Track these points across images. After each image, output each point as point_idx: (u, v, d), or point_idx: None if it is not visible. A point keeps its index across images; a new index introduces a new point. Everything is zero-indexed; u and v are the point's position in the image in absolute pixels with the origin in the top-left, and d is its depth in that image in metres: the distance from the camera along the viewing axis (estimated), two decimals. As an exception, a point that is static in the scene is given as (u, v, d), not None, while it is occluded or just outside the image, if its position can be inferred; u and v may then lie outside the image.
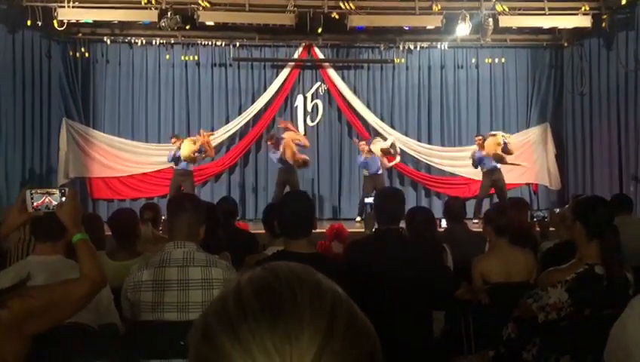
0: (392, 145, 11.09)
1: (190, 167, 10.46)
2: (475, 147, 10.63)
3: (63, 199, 2.14)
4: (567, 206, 4.29)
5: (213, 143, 11.50)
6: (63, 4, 9.96)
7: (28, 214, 2.18)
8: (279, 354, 0.62)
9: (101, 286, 2.15)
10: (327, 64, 11.96)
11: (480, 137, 10.60)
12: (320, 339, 0.63)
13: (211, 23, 10.53)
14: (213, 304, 0.70)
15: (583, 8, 10.38)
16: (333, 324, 0.65)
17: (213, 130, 11.70)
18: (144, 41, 11.52)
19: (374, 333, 0.70)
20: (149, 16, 10.32)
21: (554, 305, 2.66)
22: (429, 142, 12.16)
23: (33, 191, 2.15)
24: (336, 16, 10.50)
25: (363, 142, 11.02)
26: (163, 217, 5.57)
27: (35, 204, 2.14)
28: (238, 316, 0.66)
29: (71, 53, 11.31)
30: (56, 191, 2.15)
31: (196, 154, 10.34)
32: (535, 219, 5.17)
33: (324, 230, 7.41)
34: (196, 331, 0.68)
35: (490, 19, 10.44)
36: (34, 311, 1.85)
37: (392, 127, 12.02)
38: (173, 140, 10.52)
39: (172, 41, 11.59)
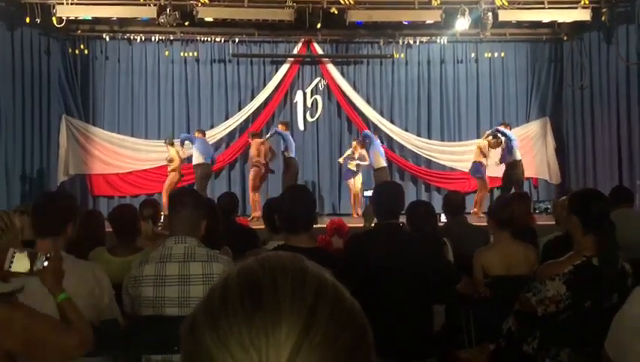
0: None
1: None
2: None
3: (46, 264, 2.05)
4: (564, 197, 4.28)
5: (215, 139, 11.55)
6: (61, 1, 9.96)
7: (1, 272, 2.03)
8: (255, 348, 0.61)
9: (88, 346, 2.03)
10: (326, 59, 11.95)
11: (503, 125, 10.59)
12: (298, 332, 0.62)
13: (210, 19, 10.55)
14: (204, 297, 0.69)
15: (582, 2, 10.37)
16: (314, 315, 0.63)
17: (212, 126, 11.72)
18: (143, 38, 11.51)
19: (363, 322, 0.68)
20: (148, 12, 10.33)
21: (552, 298, 2.66)
22: (429, 136, 12.16)
23: (17, 252, 2.03)
24: (335, 12, 10.50)
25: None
26: (162, 213, 5.58)
27: (11, 267, 1.99)
28: (220, 309, 0.65)
29: (70, 50, 11.30)
30: (42, 255, 2.06)
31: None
32: (537, 211, 5.19)
33: (325, 225, 7.43)
34: (185, 324, 0.68)
35: (490, 14, 10.43)
36: (14, 326, 1.76)
37: (392, 122, 12.03)
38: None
39: (171, 38, 11.58)
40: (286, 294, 0.64)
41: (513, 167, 10.13)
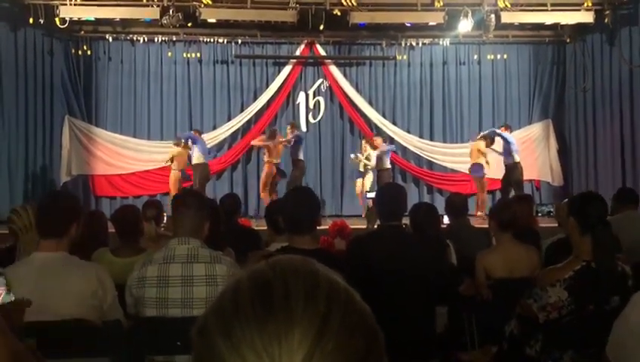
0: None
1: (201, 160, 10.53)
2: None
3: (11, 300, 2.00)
4: (567, 200, 4.29)
5: (217, 140, 11.59)
6: (65, 2, 9.98)
7: None
8: (268, 355, 0.61)
9: None
10: (329, 61, 11.96)
11: (502, 128, 10.56)
12: (311, 338, 0.61)
13: (213, 20, 10.56)
14: (215, 300, 0.69)
15: (585, 4, 10.36)
16: (327, 321, 0.63)
17: (215, 127, 11.74)
18: (146, 39, 11.53)
19: (375, 326, 0.68)
20: (151, 13, 10.34)
21: (554, 305, 2.65)
22: (431, 138, 12.16)
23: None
24: (338, 13, 10.50)
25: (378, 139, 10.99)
26: (165, 214, 5.58)
27: None
28: (232, 314, 0.64)
29: (73, 51, 11.32)
30: (11, 293, 2.02)
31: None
32: (540, 214, 5.18)
33: (327, 227, 7.44)
34: (196, 327, 0.67)
35: (492, 16, 10.43)
36: None
37: (394, 123, 12.03)
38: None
39: (174, 39, 11.59)
40: (298, 299, 0.64)
41: (512, 169, 10.15)
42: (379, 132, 11.77)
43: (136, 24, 11.24)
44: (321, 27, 10.70)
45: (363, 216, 10.53)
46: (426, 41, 11.86)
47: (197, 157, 10.30)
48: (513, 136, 10.55)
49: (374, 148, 10.81)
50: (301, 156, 10.59)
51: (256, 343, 0.61)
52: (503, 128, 10.58)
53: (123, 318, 2.82)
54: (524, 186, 11.71)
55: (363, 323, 0.66)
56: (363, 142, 11.14)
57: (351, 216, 10.76)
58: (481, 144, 10.46)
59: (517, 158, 10.18)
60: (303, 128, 11.90)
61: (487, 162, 10.37)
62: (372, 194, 9.29)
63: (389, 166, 10.81)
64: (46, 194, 6.58)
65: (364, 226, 6.73)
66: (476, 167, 10.47)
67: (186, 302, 2.62)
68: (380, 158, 10.80)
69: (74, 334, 2.53)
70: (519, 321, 2.90)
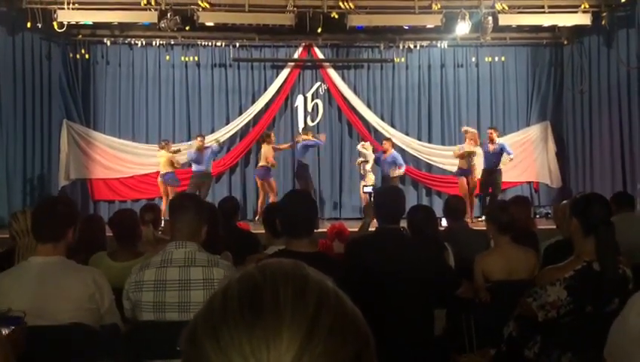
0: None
1: (210, 168, 10.77)
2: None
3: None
4: (565, 201, 4.28)
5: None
6: (62, 6, 9.98)
7: None
8: (256, 359, 0.61)
9: None
10: (327, 64, 11.96)
11: (492, 130, 10.55)
12: (299, 343, 0.61)
13: (211, 24, 10.55)
14: (204, 305, 0.68)
15: (582, 6, 10.38)
16: (315, 325, 0.62)
17: (213, 130, 11.74)
18: (144, 42, 11.53)
19: (365, 331, 0.67)
20: (149, 17, 10.33)
21: (553, 304, 2.66)
22: (430, 141, 12.16)
23: None
24: (336, 16, 10.51)
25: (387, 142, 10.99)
26: (163, 218, 5.58)
27: None
28: (221, 318, 0.64)
29: (71, 55, 11.32)
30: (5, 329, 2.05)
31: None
32: (538, 216, 5.17)
33: (326, 229, 7.44)
34: (185, 332, 0.67)
35: (490, 18, 10.44)
36: None
37: (393, 126, 12.03)
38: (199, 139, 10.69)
39: (172, 42, 11.59)
40: (287, 303, 0.63)
41: (499, 174, 10.19)
42: (377, 134, 11.77)
43: (134, 28, 11.24)
44: (319, 30, 10.71)
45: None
46: (424, 43, 11.87)
47: (206, 167, 10.59)
48: (510, 139, 10.59)
49: (384, 152, 10.83)
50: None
51: (245, 348, 0.61)
52: (491, 130, 10.54)
53: (120, 322, 2.82)
54: (522, 188, 11.77)
55: (353, 328, 0.66)
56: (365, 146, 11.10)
57: (349, 219, 10.76)
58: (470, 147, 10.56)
59: (500, 165, 10.28)
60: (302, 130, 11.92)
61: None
62: (369, 189, 9.26)
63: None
64: (43, 199, 6.57)
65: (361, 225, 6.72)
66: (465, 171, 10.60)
67: (183, 306, 2.61)
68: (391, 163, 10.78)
69: (71, 338, 2.52)
70: (518, 323, 2.90)
